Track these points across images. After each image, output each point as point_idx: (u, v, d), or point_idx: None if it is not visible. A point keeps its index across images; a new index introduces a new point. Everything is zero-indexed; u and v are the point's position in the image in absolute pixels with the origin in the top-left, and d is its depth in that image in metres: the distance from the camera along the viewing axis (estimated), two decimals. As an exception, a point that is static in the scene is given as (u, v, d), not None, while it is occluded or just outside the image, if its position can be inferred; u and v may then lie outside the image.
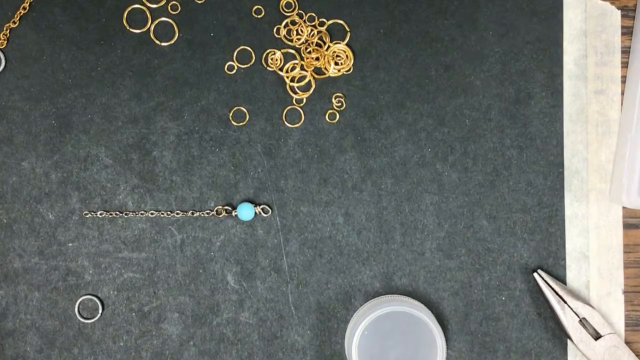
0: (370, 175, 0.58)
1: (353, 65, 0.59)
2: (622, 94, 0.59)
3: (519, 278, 0.58)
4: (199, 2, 0.59)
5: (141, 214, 0.58)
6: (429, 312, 0.55)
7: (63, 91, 0.58)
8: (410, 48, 0.59)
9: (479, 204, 0.58)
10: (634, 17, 0.59)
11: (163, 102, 0.58)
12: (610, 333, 0.56)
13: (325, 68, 0.58)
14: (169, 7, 0.59)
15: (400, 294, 0.58)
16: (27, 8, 0.58)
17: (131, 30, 0.58)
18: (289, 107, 0.59)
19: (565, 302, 0.56)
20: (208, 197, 0.58)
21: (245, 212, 0.57)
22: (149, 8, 0.59)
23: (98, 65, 0.58)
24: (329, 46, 0.58)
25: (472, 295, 0.58)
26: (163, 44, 0.58)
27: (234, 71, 0.59)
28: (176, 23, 0.59)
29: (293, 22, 0.59)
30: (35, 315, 0.57)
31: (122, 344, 0.58)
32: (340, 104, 0.58)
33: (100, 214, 0.58)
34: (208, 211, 0.58)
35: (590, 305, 0.57)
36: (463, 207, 0.58)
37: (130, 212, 0.58)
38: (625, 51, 0.59)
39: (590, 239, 0.58)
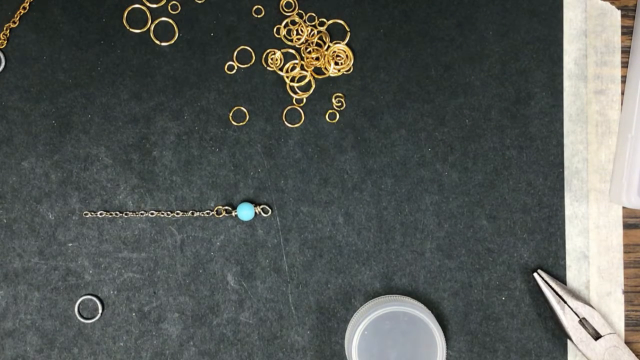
0: (370, 175, 0.58)
1: (353, 65, 0.59)
2: (622, 94, 0.59)
3: (519, 278, 0.58)
4: (199, 2, 0.59)
5: (141, 214, 0.58)
6: (429, 312, 0.55)
7: (63, 91, 0.58)
8: (410, 48, 0.59)
9: (479, 204, 0.58)
10: (634, 17, 0.59)
11: (163, 102, 0.58)
12: (610, 333, 0.56)
13: (325, 68, 0.58)
14: (169, 7, 0.59)
15: (400, 294, 0.58)
16: (27, 8, 0.58)
17: (131, 30, 0.58)
18: (289, 107, 0.59)
19: (565, 302, 0.56)
20: (208, 197, 0.58)
21: (245, 212, 0.57)
22: (149, 8, 0.59)
23: (98, 65, 0.58)
24: (329, 46, 0.58)
25: (472, 295, 0.58)
26: (163, 44, 0.58)
27: (234, 71, 0.59)
28: (176, 23, 0.59)
29: (293, 22, 0.59)
30: (35, 315, 0.57)
31: (122, 344, 0.58)
32: (340, 104, 0.58)
33: (100, 214, 0.58)
34: (208, 211, 0.58)
35: (590, 305, 0.57)
36: (463, 207, 0.58)
37: (130, 212, 0.58)
38: (625, 51, 0.59)
39: (590, 238, 0.58)
